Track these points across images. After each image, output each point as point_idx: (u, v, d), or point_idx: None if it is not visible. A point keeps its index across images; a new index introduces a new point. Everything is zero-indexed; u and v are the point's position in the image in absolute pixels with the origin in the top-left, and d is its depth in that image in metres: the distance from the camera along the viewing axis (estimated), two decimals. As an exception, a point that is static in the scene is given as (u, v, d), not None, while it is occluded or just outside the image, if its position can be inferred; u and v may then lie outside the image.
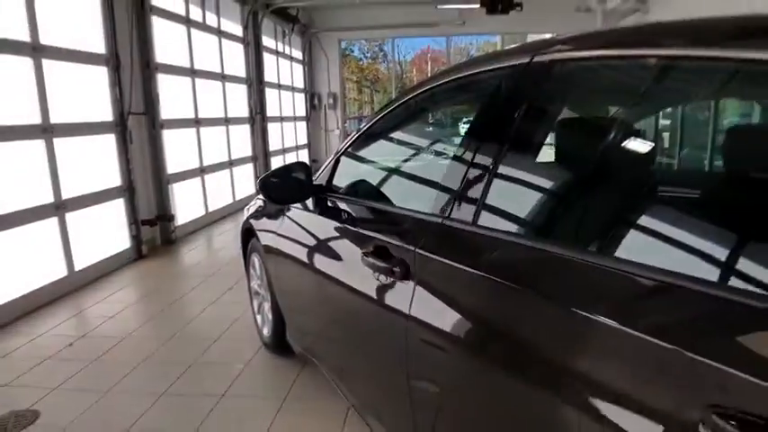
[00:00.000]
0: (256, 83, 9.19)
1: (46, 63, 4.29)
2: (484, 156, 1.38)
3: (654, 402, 0.81)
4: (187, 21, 6.80)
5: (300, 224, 2.37)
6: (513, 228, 1.35)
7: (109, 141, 5.22)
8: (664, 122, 1.83)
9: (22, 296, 4.01)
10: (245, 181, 8.54)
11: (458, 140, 1.59)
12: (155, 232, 5.98)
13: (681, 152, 1.95)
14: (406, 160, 2.09)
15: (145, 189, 5.78)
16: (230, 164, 8.13)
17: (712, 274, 0.91)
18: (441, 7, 11.44)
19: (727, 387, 0.72)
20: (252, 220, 3.05)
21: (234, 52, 8.44)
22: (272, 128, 10.05)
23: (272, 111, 10.02)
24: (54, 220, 4.44)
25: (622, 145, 1.38)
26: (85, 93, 4.94)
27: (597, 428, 0.88)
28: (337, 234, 2.01)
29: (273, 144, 10.02)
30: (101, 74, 5.11)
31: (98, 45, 5.06)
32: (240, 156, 8.50)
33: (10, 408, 2.68)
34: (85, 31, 4.93)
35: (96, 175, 5.03)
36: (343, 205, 2.06)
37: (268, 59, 9.84)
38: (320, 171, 2.33)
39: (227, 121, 8.04)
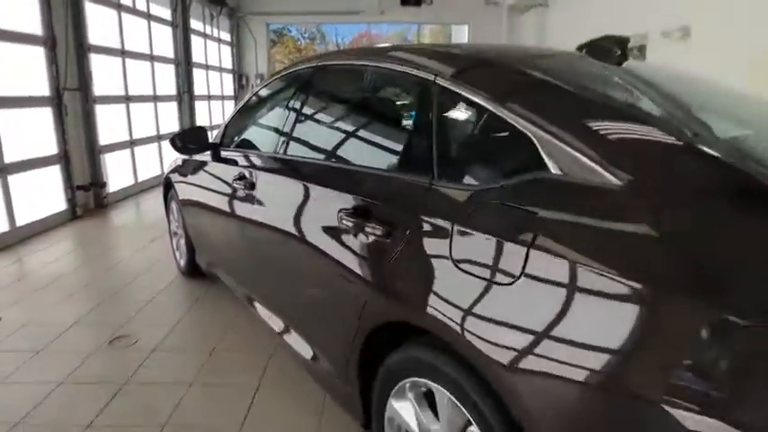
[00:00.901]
0: (184, 63, 9.85)
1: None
2: (292, 115, 2.43)
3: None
4: (118, 6, 7.45)
5: (201, 171, 3.32)
6: (302, 153, 2.41)
7: (46, 114, 5.91)
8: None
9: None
10: (172, 154, 9.21)
11: (286, 109, 2.60)
12: (88, 197, 6.69)
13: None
14: (262, 123, 3.06)
15: (79, 158, 6.47)
16: (158, 138, 8.82)
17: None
18: (363, -3, 12.39)
19: (348, 204, 1.76)
20: (170, 175, 3.95)
21: (162, 34, 9.08)
22: (200, 105, 10.74)
23: (199, 90, 10.71)
24: (-3, 181, 5.14)
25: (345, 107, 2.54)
26: (25, 70, 5.61)
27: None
28: (222, 173, 2.97)
29: (201, 120, 10.70)
30: (39, 53, 5.77)
31: (36, 27, 5.72)
32: (168, 131, 9.16)
33: (-23, 317, 3.50)
34: (25, 15, 5.58)
35: (35, 144, 5.72)
36: (228, 154, 3.01)
37: (196, 41, 10.49)
38: (216, 134, 3.27)
39: (155, 98, 8.72)
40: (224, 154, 3.05)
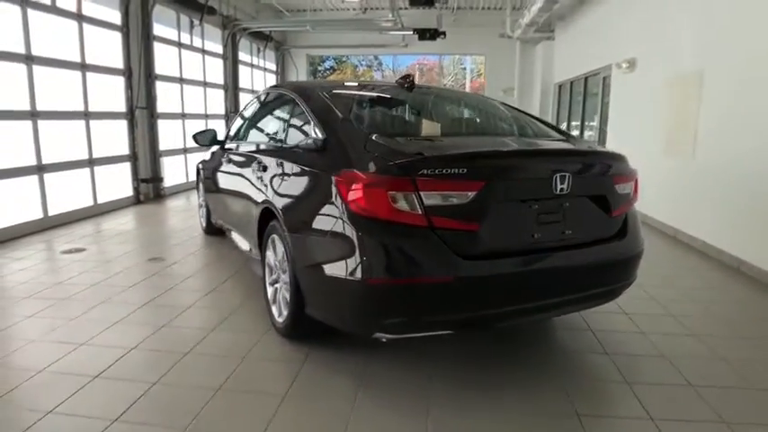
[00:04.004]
0: (232, 88, 12.07)
1: (89, 75, 7.18)
2: (259, 122, 4.36)
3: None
4: (179, 44, 9.71)
5: (213, 158, 5.27)
6: (254, 146, 4.25)
7: (123, 125, 8.12)
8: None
9: (63, 213, 6.82)
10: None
11: (257, 121, 4.50)
12: (149, 188, 8.83)
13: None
14: (249, 129, 4.92)
15: (144, 158, 8.64)
16: (208, 148, 11.01)
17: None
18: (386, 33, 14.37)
19: (256, 159, 3.64)
20: (198, 164, 5.94)
21: (215, 65, 11.33)
22: (245, 123, 12.92)
23: (245, 110, 12.90)
24: (87, 170, 7.30)
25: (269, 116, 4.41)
26: (110, 92, 7.83)
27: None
28: (225, 160, 4.87)
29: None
30: (119, 81, 8.00)
31: (118, 62, 7.96)
32: (216, 142, 11.36)
33: (69, 246, 5.55)
34: (111, 53, 7.82)
35: (114, 146, 7.91)
36: (230, 146, 4.91)
37: (243, 70, 12.73)
38: (224, 135, 5.21)
39: (206, 116, 10.93)
40: (227, 145, 4.98)
